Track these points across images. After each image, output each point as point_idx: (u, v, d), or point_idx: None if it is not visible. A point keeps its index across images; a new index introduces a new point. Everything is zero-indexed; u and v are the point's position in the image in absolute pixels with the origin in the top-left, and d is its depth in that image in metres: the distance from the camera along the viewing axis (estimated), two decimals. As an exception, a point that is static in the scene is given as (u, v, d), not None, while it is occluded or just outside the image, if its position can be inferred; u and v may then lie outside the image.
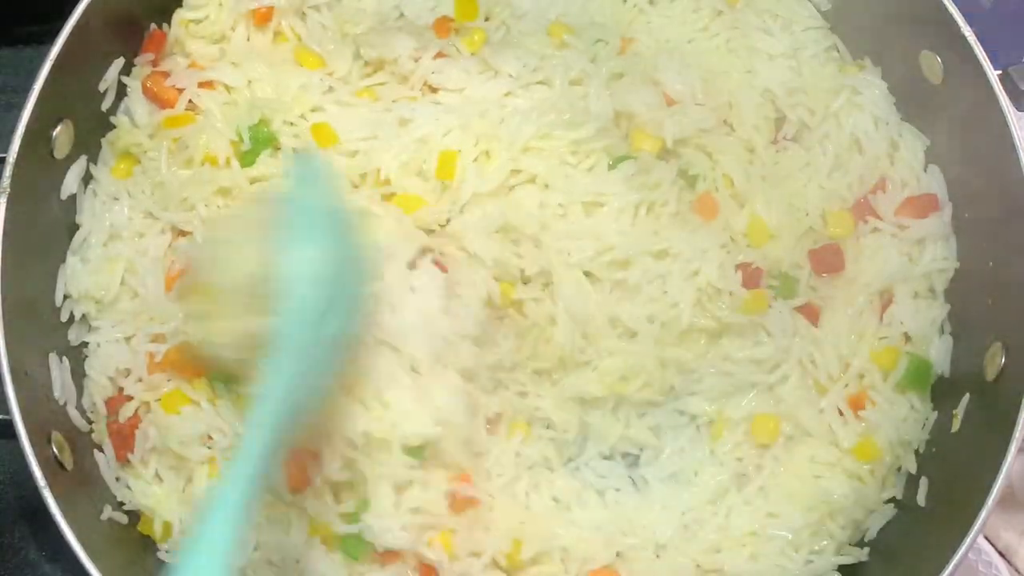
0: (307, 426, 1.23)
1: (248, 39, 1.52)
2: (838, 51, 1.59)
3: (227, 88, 1.47)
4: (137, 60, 1.50)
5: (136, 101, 1.48)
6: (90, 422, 1.41)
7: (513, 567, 1.34)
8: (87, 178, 1.46)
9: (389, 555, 1.34)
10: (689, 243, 1.40)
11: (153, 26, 1.51)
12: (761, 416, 1.41)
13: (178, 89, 1.46)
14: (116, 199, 1.45)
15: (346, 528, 1.32)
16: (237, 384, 1.33)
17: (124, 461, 1.39)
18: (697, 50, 1.55)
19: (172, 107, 1.46)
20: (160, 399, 1.37)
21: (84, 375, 1.42)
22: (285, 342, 1.12)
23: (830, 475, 1.41)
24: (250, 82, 1.47)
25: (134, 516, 1.40)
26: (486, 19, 1.54)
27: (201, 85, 1.47)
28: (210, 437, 1.36)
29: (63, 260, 1.43)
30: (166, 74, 1.47)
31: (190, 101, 1.46)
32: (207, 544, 1.03)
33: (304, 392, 1.15)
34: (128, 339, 1.42)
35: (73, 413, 1.38)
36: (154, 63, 1.49)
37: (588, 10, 1.57)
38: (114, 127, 1.48)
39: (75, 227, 1.45)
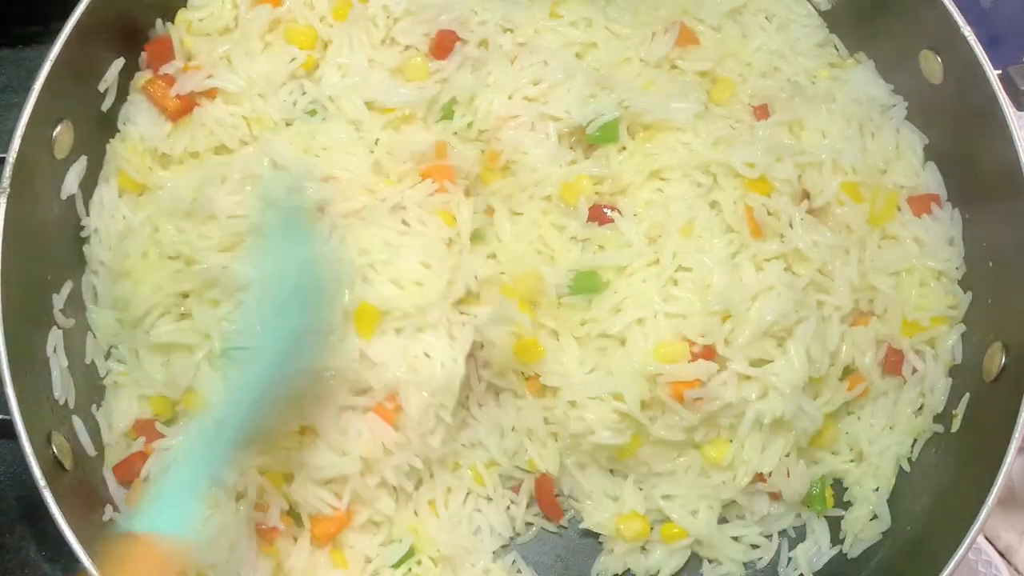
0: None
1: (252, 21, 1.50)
2: (836, 48, 1.59)
3: (227, 99, 1.47)
4: (140, 64, 1.50)
5: (138, 110, 1.48)
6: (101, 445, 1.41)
7: None
8: (92, 181, 1.47)
9: None
10: None
11: (158, 25, 1.50)
12: None
13: (180, 98, 1.45)
14: (121, 210, 1.46)
15: None
16: None
17: (127, 486, 1.39)
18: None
19: (174, 118, 1.46)
20: None
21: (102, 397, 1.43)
22: (251, 330, 1.22)
23: None
24: (249, 80, 1.47)
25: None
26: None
27: (201, 94, 1.46)
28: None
29: (63, 260, 1.43)
30: (170, 81, 1.46)
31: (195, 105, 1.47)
32: (168, 503, 1.10)
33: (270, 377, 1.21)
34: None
35: (76, 420, 1.38)
36: (155, 68, 1.48)
37: None
38: (116, 129, 1.48)
39: (75, 227, 1.45)
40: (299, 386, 1.28)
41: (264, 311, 1.22)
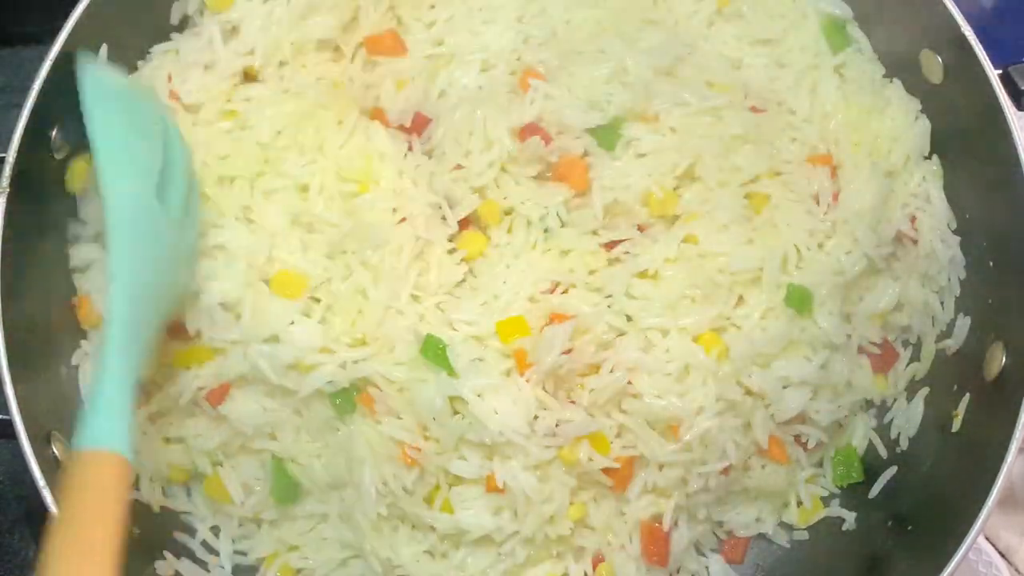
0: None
1: None
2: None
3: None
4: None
5: None
6: None
7: None
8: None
9: None
10: None
11: None
12: None
13: None
14: None
15: None
16: None
17: None
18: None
19: None
20: None
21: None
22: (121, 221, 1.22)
23: None
24: None
25: (134, 517, 1.40)
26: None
27: None
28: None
29: (62, 260, 1.43)
30: None
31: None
32: (105, 410, 1.14)
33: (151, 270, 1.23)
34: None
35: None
36: None
37: None
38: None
39: (75, 227, 1.45)
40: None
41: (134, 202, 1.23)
